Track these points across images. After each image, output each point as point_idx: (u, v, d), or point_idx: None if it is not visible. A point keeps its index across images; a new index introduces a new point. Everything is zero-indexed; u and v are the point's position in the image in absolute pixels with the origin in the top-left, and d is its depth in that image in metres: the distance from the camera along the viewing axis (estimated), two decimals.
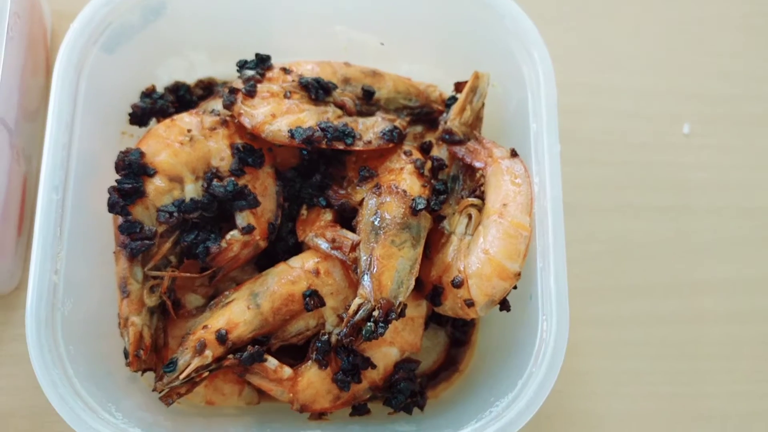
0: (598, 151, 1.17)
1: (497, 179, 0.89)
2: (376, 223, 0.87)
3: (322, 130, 0.90)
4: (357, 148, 0.91)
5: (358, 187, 0.92)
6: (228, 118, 0.93)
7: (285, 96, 0.93)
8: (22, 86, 1.00)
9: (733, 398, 1.09)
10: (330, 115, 0.93)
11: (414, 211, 0.87)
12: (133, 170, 0.88)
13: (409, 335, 0.92)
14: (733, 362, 1.11)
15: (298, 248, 0.94)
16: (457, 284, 0.86)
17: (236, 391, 0.94)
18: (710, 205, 1.17)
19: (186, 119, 0.92)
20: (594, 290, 1.11)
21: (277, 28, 1.01)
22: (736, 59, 1.24)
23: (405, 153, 0.94)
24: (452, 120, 0.95)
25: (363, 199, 0.90)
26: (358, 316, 0.82)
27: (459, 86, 0.98)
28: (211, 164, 0.92)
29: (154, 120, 0.99)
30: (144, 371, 0.88)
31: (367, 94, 0.97)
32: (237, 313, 0.87)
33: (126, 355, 0.87)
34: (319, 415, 0.91)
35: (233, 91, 0.91)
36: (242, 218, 0.91)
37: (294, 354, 0.92)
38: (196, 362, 0.84)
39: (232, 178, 0.90)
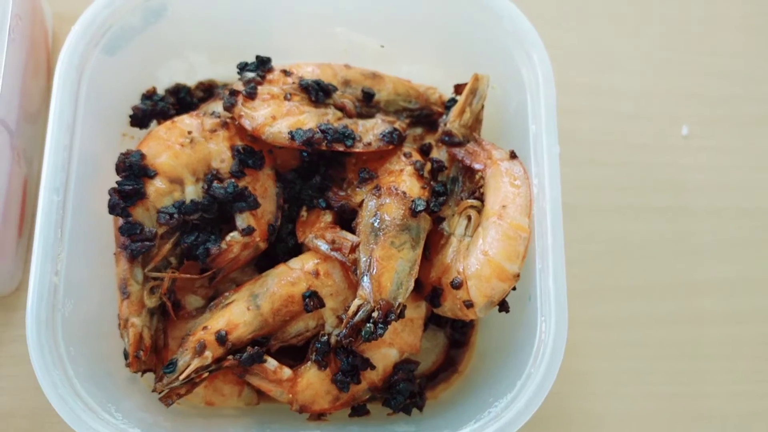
0: (598, 152, 1.17)
1: (496, 181, 0.90)
2: (375, 224, 0.87)
3: (322, 132, 0.90)
4: (357, 150, 0.92)
5: (357, 189, 0.93)
6: (228, 120, 0.93)
7: (285, 98, 0.93)
8: (24, 88, 1.00)
9: (732, 398, 1.09)
10: (330, 117, 0.93)
11: (413, 213, 0.87)
12: (133, 172, 0.88)
13: (408, 336, 0.92)
14: (733, 362, 1.11)
15: (298, 249, 0.94)
16: (457, 285, 0.87)
17: (236, 391, 0.94)
18: (710, 205, 1.17)
19: (186, 121, 0.93)
20: (594, 291, 1.12)
21: (277, 30, 1.01)
22: (736, 59, 1.24)
23: (405, 155, 0.94)
24: (452, 122, 0.95)
25: (363, 201, 0.90)
26: (357, 317, 0.83)
27: (458, 88, 0.98)
28: (212, 166, 0.92)
29: (154, 122, 0.99)
30: (144, 372, 0.89)
31: (367, 96, 0.97)
32: (237, 314, 0.87)
33: (126, 356, 0.87)
34: (319, 416, 0.91)
35: (234, 93, 0.92)
36: (242, 220, 0.91)
37: (293, 355, 0.92)
38: (195, 363, 0.84)
39: (233, 180, 0.91)
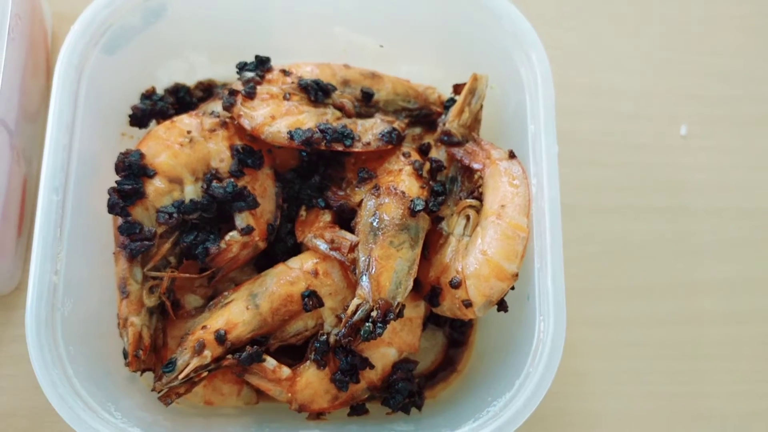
0: (597, 152, 1.17)
1: (495, 181, 0.90)
2: (374, 224, 0.87)
3: (321, 131, 0.90)
4: (356, 150, 0.92)
5: (356, 189, 0.93)
6: (228, 120, 0.93)
7: (284, 98, 0.93)
8: (23, 87, 1.01)
9: (732, 398, 1.09)
10: (329, 116, 0.93)
11: (412, 213, 0.87)
12: (132, 171, 0.88)
13: (407, 336, 0.92)
14: (733, 362, 1.11)
15: (297, 249, 0.94)
16: (455, 285, 0.87)
17: (235, 391, 0.94)
18: (710, 205, 1.16)
19: (186, 121, 0.93)
20: (593, 291, 1.12)
21: (276, 30, 1.02)
22: (736, 59, 1.23)
23: (404, 154, 0.94)
24: (451, 122, 0.95)
25: (362, 201, 0.90)
26: (356, 317, 0.83)
27: (457, 88, 0.98)
28: (211, 165, 0.92)
29: (154, 121, 0.99)
30: (143, 371, 0.89)
31: (366, 96, 0.97)
32: (236, 314, 0.87)
33: (125, 355, 0.87)
34: (318, 415, 0.91)
35: (233, 92, 0.92)
36: (241, 219, 0.91)
37: (293, 354, 0.92)
38: (195, 362, 0.84)
39: (232, 180, 0.91)
